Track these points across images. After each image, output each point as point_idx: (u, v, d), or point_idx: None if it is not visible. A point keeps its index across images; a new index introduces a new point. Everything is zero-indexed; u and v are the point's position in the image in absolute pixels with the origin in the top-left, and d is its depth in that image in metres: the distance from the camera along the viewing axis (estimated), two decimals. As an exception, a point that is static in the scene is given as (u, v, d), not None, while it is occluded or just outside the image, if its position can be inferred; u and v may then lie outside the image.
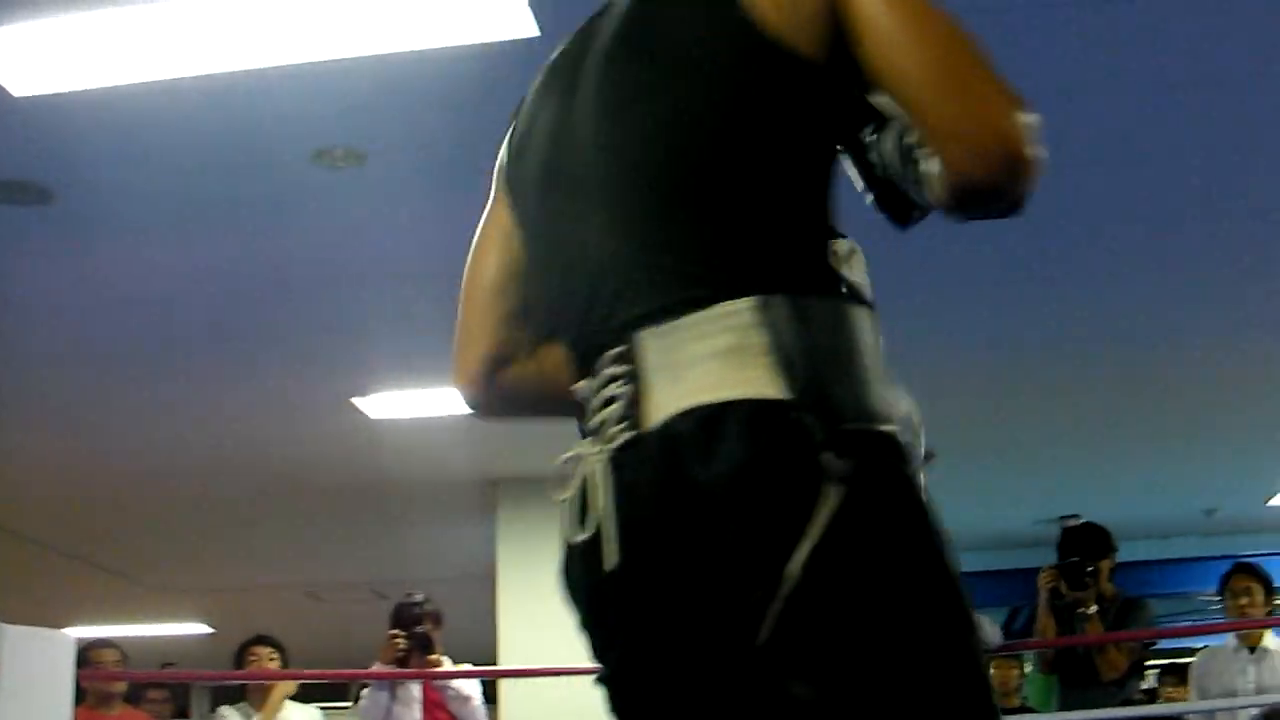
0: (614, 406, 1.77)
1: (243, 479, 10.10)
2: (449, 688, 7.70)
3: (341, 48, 4.65)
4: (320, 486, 10.41)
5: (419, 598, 7.76)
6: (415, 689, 7.70)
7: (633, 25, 1.91)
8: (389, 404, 8.52)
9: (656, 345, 1.74)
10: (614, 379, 1.78)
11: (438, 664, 7.59)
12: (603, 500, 1.74)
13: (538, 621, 9.91)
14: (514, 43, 4.59)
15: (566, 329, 1.93)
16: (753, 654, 1.63)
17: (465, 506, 10.97)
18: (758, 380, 1.66)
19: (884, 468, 1.67)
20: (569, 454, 1.85)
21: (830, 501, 1.60)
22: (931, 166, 1.71)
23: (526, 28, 4.51)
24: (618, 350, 1.78)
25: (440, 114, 5.12)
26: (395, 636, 7.62)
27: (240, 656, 7.82)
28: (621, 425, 1.76)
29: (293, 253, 6.31)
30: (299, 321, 7.15)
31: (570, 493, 1.83)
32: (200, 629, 15.91)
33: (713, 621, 1.65)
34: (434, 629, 7.67)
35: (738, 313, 1.70)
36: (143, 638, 15.79)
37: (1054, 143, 1.76)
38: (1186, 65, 5.01)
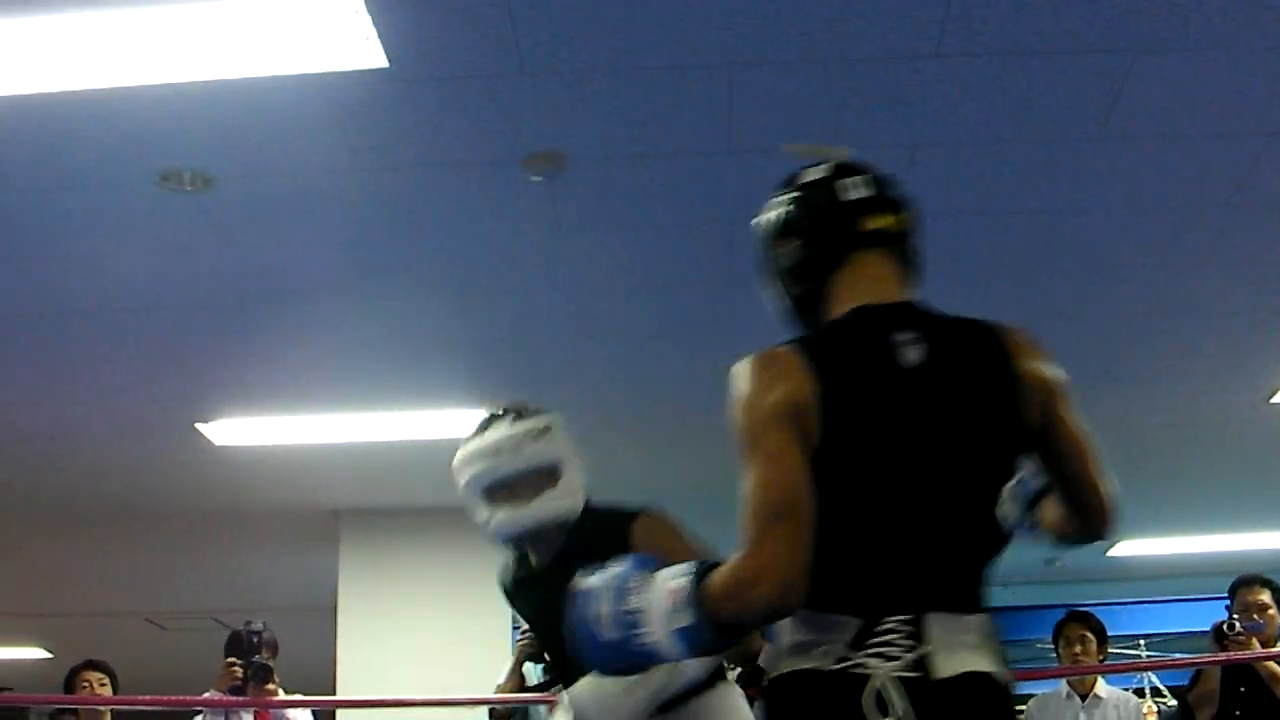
0: (900, 650, 2.59)
1: (83, 502, 9.97)
2: (284, 718, 7.64)
3: (193, 71, 4.62)
4: (163, 512, 10.30)
5: (257, 625, 7.68)
6: (249, 718, 7.63)
7: (984, 389, 2.75)
8: (233, 431, 8.45)
9: (940, 626, 2.62)
10: (897, 632, 2.60)
11: (274, 693, 7.51)
12: (902, 705, 2.55)
13: (377, 652, 9.88)
14: (362, 73, 4.61)
15: (864, 578, 2.68)
16: None
17: (308, 536, 10.90)
18: (995, 663, 2.67)
19: None
20: (851, 659, 2.60)
21: None
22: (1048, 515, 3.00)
23: (375, 58, 4.52)
24: (904, 617, 2.61)
25: (289, 141, 5.12)
26: (232, 664, 7.53)
27: (70, 681, 7.71)
28: (908, 665, 2.58)
29: (137, 274, 6.25)
30: (143, 344, 7.08)
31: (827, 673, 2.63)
32: (38, 653, 15.65)
33: None
34: (271, 657, 7.60)
35: (984, 622, 2.70)
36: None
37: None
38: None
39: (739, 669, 4.31)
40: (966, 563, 2.72)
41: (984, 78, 4.83)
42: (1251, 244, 6.20)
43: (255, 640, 7.59)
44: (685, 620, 2.56)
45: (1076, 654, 7.38)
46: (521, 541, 3.93)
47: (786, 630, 2.69)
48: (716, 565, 2.56)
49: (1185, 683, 7.62)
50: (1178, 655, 10.78)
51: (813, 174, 2.88)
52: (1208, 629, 6.91)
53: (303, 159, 5.27)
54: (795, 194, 2.88)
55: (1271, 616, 6.86)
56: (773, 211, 2.91)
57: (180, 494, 9.86)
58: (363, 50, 4.49)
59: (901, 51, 4.67)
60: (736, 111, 5.01)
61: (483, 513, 3.84)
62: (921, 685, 2.57)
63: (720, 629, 2.56)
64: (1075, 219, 5.89)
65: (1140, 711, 7.73)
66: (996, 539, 2.74)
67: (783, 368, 2.69)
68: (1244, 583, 7.02)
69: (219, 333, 6.97)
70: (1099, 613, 7.75)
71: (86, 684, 7.61)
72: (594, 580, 2.71)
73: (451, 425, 8.25)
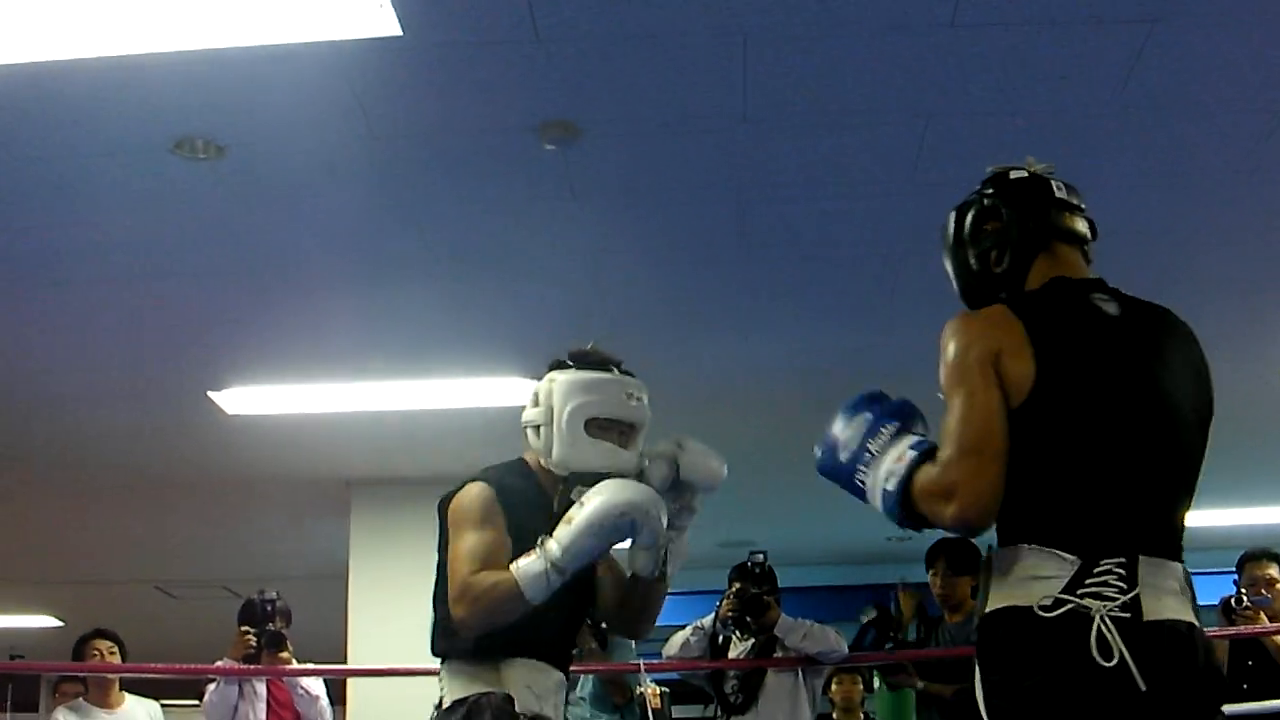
0: (1114, 591, 2.87)
1: (95, 470, 9.99)
2: (297, 686, 7.66)
3: (206, 39, 4.62)
4: (175, 481, 10.32)
5: (270, 594, 7.71)
6: (261, 686, 7.65)
7: (1180, 354, 3.18)
8: (246, 399, 8.46)
9: (1148, 569, 2.92)
10: (1113, 574, 2.89)
11: (288, 662, 7.54)
12: (1119, 645, 2.83)
13: (388, 622, 9.89)
14: (376, 41, 4.60)
15: (1084, 516, 2.95)
16: None
17: (320, 505, 10.92)
18: (1191, 613, 2.97)
19: None
20: (1064, 597, 2.88)
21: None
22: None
23: (389, 26, 4.51)
24: (1119, 559, 2.90)
25: (301, 109, 5.11)
26: (246, 633, 7.56)
27: (80, 650, 7.74)
28: (1121, 605, 2.86)
29: (149, 242, 6.25)
30: (155, 312, 7.08)
31: (1054, 615, 2.90)
32: (50, 621, 15.70)
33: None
34: (284, 626, 7.63)
35: (1182, 572, 3.00)
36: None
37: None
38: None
39: None
40: (1171, 509, 3.04)
41: (999, 48, 4.82)
42: (1266, 216, 6.18)
43: (268, 609, 7.63)
44: (892, 487, 3.10)
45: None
46: (579, 479, 3.98)
47: (1012, 559, 2.98)
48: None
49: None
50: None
51: (1020, 173, 3.39)
52: (1215, 603, 6.92)
53: (315, 127, 5.27)
54: (1008, 186, 3.36)
55: (1279, 591, 6.87)
56: (983, 198, 3.36)
57: (192, 462, 9.88)
58: (376, 18, 4.48)
59: (917, 21, 4.67)
60: (750, 81, 5.00)
61: (579, 439, 3.94)
62: (1133, 626, 2.85)
63: (911, 513, 3.08)
64: (1088, 189, 5.87)
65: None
66: (1191, 489, 3.10)
67: (993, 319, 3.08)
68: (1251, 557, 7.04)
69: (231, 301, 6.98)
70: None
71: (96, 653, 7.65)
72: (865, 408, 3.26)
73: (463, 394, 8.28)
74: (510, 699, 3.80)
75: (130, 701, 7.83)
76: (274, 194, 5.82)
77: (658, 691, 7.86)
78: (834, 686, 8.36)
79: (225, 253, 6.39)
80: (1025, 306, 3.10)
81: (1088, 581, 2.87)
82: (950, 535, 6.83)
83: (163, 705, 8.04)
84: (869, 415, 3.24)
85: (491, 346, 7.66)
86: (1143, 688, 2.81)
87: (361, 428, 9.02)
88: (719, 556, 8.85)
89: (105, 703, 7.72)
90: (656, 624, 4.26)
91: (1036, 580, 2.91)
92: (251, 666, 7.48)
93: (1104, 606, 2.84)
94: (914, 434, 3.20)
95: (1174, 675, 2.87)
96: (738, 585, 6.96)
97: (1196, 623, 2.97)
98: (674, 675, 7.78)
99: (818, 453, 3.31)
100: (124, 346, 7.62)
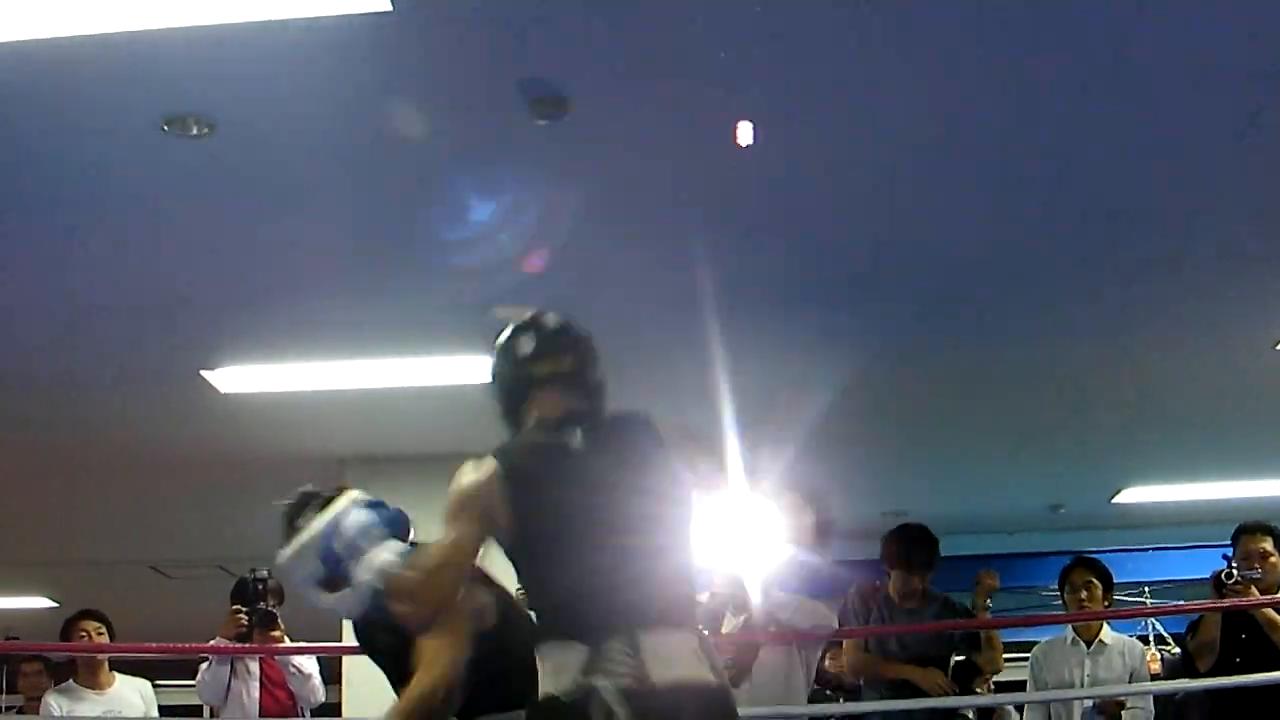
0: (621, 667, 3.44)
1: (88, 450, 9.97)
2: (290, 665, 7.67)
3: (196, 15, 4.61)
4: (168, 460, 10.30)
5: (262, 572, 7.71)
6: (254, 665, 7.65)
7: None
8: (239, 378, 8.44)
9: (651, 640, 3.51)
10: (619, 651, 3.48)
11: (279, 640, 7.54)
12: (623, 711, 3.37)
13: (383, 600, 9.83)
14: (366, 16, 4.58)
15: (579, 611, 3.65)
16: None
17: (313, 483, 10.86)
18: (710, 672, 3.56)
19: None
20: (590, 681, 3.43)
21: None
22: None
23: (379, 2, 4.50)
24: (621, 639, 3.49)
25: (293, 85, 5.10)
26: (238, 611, 7.56)
27: (67, 632, 7.74)
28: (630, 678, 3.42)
29: (142, 220, 6.23)
30: (147, 291, 7.06)
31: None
32: (44, 603, 15.69)
33: None
34: (276, 604, 7.63)
35: (695, 638, 3.64)
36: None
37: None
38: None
39: None
40: (662, 582, 3.66)
41: (992, 19, 4.80)
42: (1258, 190, 6.17)
43: (260, 587, 7.63)
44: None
45: (1082, 600, 7.41)
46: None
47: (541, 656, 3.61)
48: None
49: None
50: (1182, 603, 10.81)
51: (500, 338, 4.34)
52: (1208, 577, 6.95)
53: (306, 103, 5.25)
54: (492, 355, 4.30)
55: (1273, 564, 6.90)
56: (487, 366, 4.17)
57: (185, 442, 9.86)
58: (366, -7, 4.48)
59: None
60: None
61: None
62: (641, 694, 3.41)
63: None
64: (1079, 166, 5.86)
65: (1145, 658, 7.75)
66: (678, 559, 3.77)
67: (480, 467, 3.88)
68: (1246, 530, 7.06)
69: (224, 279, 6.96)
70: (1104, 559, 7.77)
71: (83, 634, 7.68)
72: None
73: (457, 372, 8.26)
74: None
75: (120, 682, 7.83)
76: (266, 171, 5.80)
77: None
78: (828, 661, 8.38)
79: (217, 230, 6.37)
80: (507, 452, 3.97)
81: (599, 662, 3.45)
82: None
83: (156, 685, 8.04)
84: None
85: (485, 323, 7.63)
86: None
87: (355, 405, 9.01)
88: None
89: (95, 684, 7.73)
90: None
91: (560, 671, 3.50)
92: (244, 645, 7.48)
93: (609, 682, 3.40)
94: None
95: None
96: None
97: (714, 680, 3.54)
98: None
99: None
100: (116, 326, 7.59)
